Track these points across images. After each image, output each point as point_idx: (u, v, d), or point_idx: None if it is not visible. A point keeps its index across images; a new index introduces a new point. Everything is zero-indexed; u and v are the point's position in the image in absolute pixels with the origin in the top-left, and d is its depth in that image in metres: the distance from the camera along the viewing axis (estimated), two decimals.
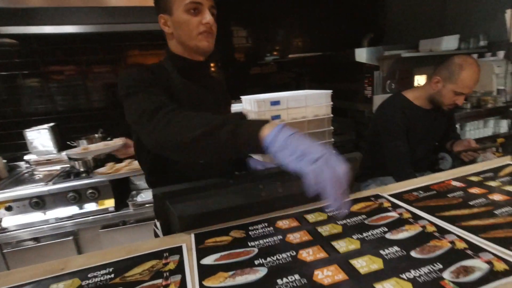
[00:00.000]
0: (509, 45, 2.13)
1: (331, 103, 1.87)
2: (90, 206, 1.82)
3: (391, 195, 0.63)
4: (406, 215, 0.54)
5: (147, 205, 1.90)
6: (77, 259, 0.48)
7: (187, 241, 0.51)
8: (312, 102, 1.80)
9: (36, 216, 1.68)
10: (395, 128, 1.29)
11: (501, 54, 2.14)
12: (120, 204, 1.88)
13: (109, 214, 1.85)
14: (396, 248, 0.44)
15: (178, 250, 0.48)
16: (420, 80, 2.60)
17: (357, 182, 1.39)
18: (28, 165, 1.99)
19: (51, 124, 2.02)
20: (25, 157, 1.95)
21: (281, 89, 1.99)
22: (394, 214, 0.54)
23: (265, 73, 2.75)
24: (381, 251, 0.43)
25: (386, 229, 0.50)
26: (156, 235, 0.67)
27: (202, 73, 0.82)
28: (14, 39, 1.96)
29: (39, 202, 1.66)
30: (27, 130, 1.86)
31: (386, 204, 0.59)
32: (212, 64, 2.38)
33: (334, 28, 3.01)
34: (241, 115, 0.59)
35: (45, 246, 1.72)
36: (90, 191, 1.78)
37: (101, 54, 2.14)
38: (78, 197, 1.76)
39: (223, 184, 0.54)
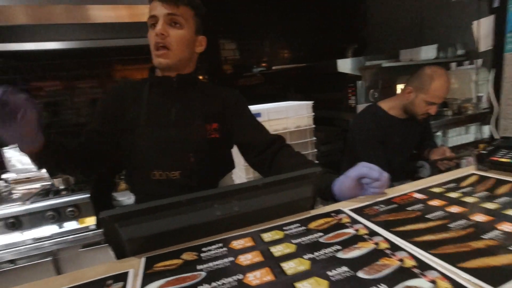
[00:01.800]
0: (486, 53, 2.19)
1: (313, 113, 1.89)
2: (70, 225, 1.79)
3: (352, 210, 0.62)
4: (363, 231, 0.53)
5: None
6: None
7: (135, 266, 0.49)
8: (293, 114, 1.82)
9: (12, 237, 1.64)
10: (370, 139, 1.30)
11: (479, 62, 2.20)
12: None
13: (90, 232, 1.81)
14: (344, 268, 0.43)
15: (123, 277, 0.46)
16: (403, 89, 2.64)
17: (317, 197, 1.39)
18: (6, 184, 1.94)
19: None
20: (3, 176, 1.90)
21: (268, 100, 2.01)
22: (351, 231, 0.54)
23: (252, 84, 2.77)
24: (329, 272, 0.42)
25: (339, 247, 0.49)
26: None
27: (166, 88, 0.84)
28: None
29: (15, 223, 1.62)
30: (5, 148, 1.83)
31: (345, 220, 0.58)
32: (200, 77, 2.39)
33: (318, 39, 3.07)
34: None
35: (22, 268, 1.67)
36: (70, 209, 1.75)
37: (86, 69, 2.13)
38: (58, 215, 1.73)
39: (175, 204, 0.53)
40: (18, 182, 1.89)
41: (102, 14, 1.62)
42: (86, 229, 1.77)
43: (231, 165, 1.01)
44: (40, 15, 1.50)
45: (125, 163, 0.91)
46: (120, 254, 0.55)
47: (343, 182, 0.65)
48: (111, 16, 1.72)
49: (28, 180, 1.91)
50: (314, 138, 1.91)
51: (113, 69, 2.20)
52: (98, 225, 1.82)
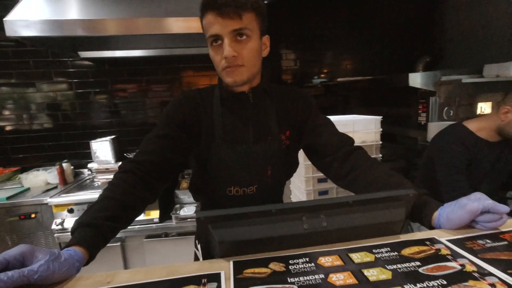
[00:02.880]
0: None
1: (381, 129, 1.79)
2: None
3: (450, 241, 0.56)
4: (470, 268, 0.47)
5: (189, 219, 1.97)
6: (123, 274, 0.51)
7: (225, 268, 0.51)
8: (361, 128, 1.74)
9: None
10: (454, 162, 1.17)
11: None
12: (164, 216, 1.96)
13: (153, 224, 1.94)
14: None
15: (216, 278, 0.48)
16: (484, 107, 2.37)
17: (407, 219, 1.28)
18: (90, 173, 2.20)
19: (112, 136, 2.23)
20: (89, 165, 2.16)
21: (327, 112, 1.96)
22: (454, 265, 0.48)
23: (312, 95, 2.73)
24: None
25: (444, 282, 0.44)
26: (196, 257, 0.68)
27: (242, 104, 0.80)
28: (91, 61, 2.24)
29: None
30: (93, 141, 2.08)
31: (444, 251, 0.52)
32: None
33: (386, 51, 2.91)
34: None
35: None
36: None
37: (160, 75, 2.33)
38: None
39: (266, 213, 0.53)
40: (99, 171, 2.13)
41: (177, 25, 1.76)
42: (151, 221, 1.92)
43: (296, 167, 0.96)
44: (126, 27, 1.68)
45: (196, 176, 0.88)
46: (207, 254, 0.58)
47: (456, 212, 0.58)
48: (184, 27, 1.84)
49: (107, 171, 2.14)
50: (380, 155, 1.80)
51: (183, 75, 2.37)
52: (161, 219, 1.95)
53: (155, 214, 1.93)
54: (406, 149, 2.48)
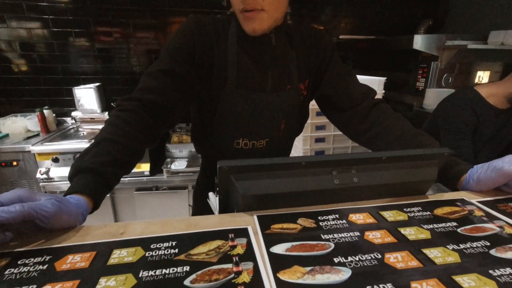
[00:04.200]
0: None
1: (383, 91, 1.73)
2: None
3: (481, 202, 0.54)
4: (510, 230, 0.45)
5: (180, 173, 1.92)
6: (136, 225, 0.45)
7: (250, 223, 0.46)
8: None
9: None
10: (461, 127, 1.15)
11: None
12: (155, 170, 1.91)
13: (144, 177, 1.89)
14: (510, 270, 0.36)
15: (244, 233, 0.43)
16: (482, 76, 2.35)
17: None
18: (74, 121, 2.06)
19: (97, 84, 2.06)
20: (72, 114, 2.01)
21: None
22: (493, 227, 0.46)
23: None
24: (491, 272, 0.36)
25: (488, 244, 0.42)
26: (208, 210, 0.64)
27: (262, 46, 0.69)
28: None
29: None
30: (76, 87, 1.91)
31: (478, 213, 0.50)
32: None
33: (387, 11, 2.75)
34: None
35: None
36: None
37: (148, 18, 2.10)
38: None
39: (294, 165, 0.48)
40: (84, 121, 2.00)
41: None
42: (142, 174, 1.86)
43: (306, 120, 0.89)
44: None
45: (199, 125, 0.79)
46: (225, 207, 0.53)
47: (489, 174, 0.55)
48: None
49: (93, 121, 2.01)
50: None
51: (174, 20, 2.15)
52: (152, 172, 1.90)
53: (145, 167, 1.86)
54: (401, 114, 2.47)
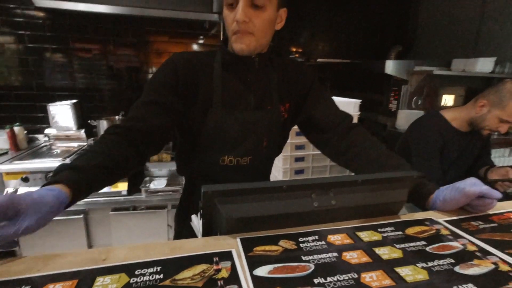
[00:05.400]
0: None
1: (359, 113, 1.83)
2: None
3: (447, 221, 0.58)
4: (471, 248, 0.49)
5: (159, 193, 1.89)
6: (119, 250, 0.45)
7: (234, 246, 0.48)
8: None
9: None
10: (430, 148, 1.24)
11: None
12: (132, 189, 1.86)
13: (121, 197, 1.84)
14: (471, 285, 0.40)
15: (228, 256, 0.44)
16: (448, 99, 2.53)
17: None
18: (47, 139, 1.98)
19: (74, 101, 2.02)
20: (46, 131, 1.94)
21: None
22: (457, 245, 0.50)
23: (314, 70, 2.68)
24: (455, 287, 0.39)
25: (453, 261, 0.45)
26: (191, 232, 0.64)
27: (246, 68, 0.76)
28: (48, 12, 1.95)
29: None
30: (51, 104, 1.85)
31: (444, 232, 0.55)
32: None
33: (360, 36, 2.95)
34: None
35: (55, 221, 1.71)
36: None
37: (130, 37, 2.12)
38: None
39: (276, 189, 0.50)
40: (58, 138, 1.93)
41: None
42: (119, 194, 1.80)
43: (286, 141, 0.95)
44: None
45: (185, 144, 0.83)
46: (209, 231, 0.54)
47: (453, 195, 0.60)
48: None
49: (67, 138, 1.94)
50: None
51: (156, 40, 2.18)
52: (129, 191, 1.85)
53: (123, 186, 1.81)
54: (374, 134, 2.59)
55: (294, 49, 2.70)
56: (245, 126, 0.76)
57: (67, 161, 1.67)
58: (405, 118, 2.31)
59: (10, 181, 1.61)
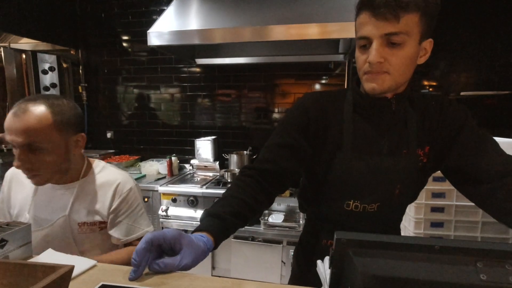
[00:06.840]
0: None
1: None
2: None
3: None
4: None
5: (276, 227, 1.93)
6: (249, 285, 0.47)
7: None
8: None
9: (190, 212, 1.97)
10: None
11: None
12: (253, 220, 1.97)
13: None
14: None
15: None
16: None
17: None
18: (191, 168, 2.40)
19: (213, 137, 2.39)
20: (191, 161, 2.36)
21: None
22: None
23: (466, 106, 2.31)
24: None
25: None
26: (315, 277, 0.60)
27: (381, 111, 0.70)
28: (203, 67, 2.47)
29: (193, 201, 1.94)
30: (197, 139, 2.26)
31: None
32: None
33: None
34: None
35: None
36: None
37: (261, 81, 2.39)
38: None
39: (426, 248, 0.42)
40: (199, 168, 2.30)
41: (280, 32, 1.75)
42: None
43: (423, 187, 0.82)
44: (232, 35, 1.75)
45: (310, 185, 0.82)
46: (338, 283, 0.50)
47: None
48: (286, 35, 1.82)
49: (206, 168, 2.29)
50: None
51: (282, 82, 2.38)
52: (250, 222, 1.97)
53: None
54: None
55: (426, 83, 2.38)
56: (375, 172, 0.70)
57: (204, 188, 1.96)
58: None
59: (163, 200, 2.00)
